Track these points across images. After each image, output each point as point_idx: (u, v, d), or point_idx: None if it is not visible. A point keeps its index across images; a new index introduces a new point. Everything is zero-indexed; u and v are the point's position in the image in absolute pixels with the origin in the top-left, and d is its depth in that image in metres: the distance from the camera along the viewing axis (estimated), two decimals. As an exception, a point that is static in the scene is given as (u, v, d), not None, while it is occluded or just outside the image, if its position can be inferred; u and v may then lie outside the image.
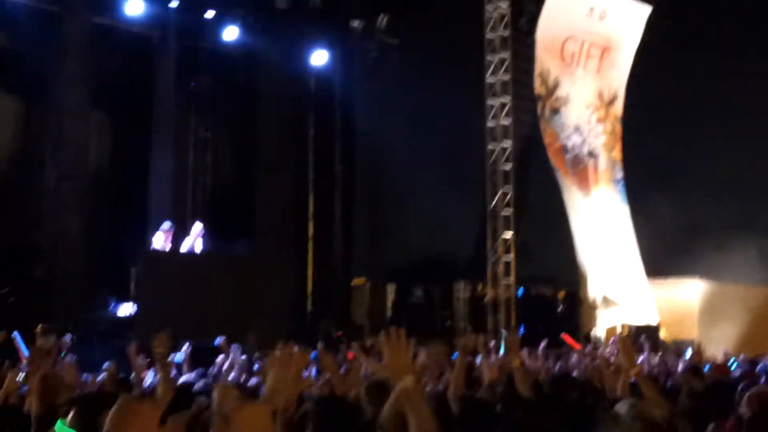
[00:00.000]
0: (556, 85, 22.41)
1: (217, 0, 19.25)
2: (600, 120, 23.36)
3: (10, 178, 17.98)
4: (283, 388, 3.26)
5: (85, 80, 17.38)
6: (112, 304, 16.75)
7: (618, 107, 23.71)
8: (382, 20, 22.00)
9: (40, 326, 9.85)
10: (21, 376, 6.44)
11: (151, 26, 18.81)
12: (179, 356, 11.32)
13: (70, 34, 17.31)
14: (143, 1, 18.14)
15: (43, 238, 16.55)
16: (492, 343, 11.28)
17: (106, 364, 9.77)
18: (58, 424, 3.95)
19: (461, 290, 21.92)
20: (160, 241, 16.13)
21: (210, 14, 19.35)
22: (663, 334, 20.78)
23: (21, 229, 17.34)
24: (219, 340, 12.41)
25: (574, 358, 12.37)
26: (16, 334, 12.15)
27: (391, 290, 22.32)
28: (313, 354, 8.38)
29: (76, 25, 17.36)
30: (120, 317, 16.33)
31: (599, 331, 20.90)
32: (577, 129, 22.82)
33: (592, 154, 23.07)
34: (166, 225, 16.39)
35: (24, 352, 11.39)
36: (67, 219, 16.62)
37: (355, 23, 21.73)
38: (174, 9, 18.81)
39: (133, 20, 18.35)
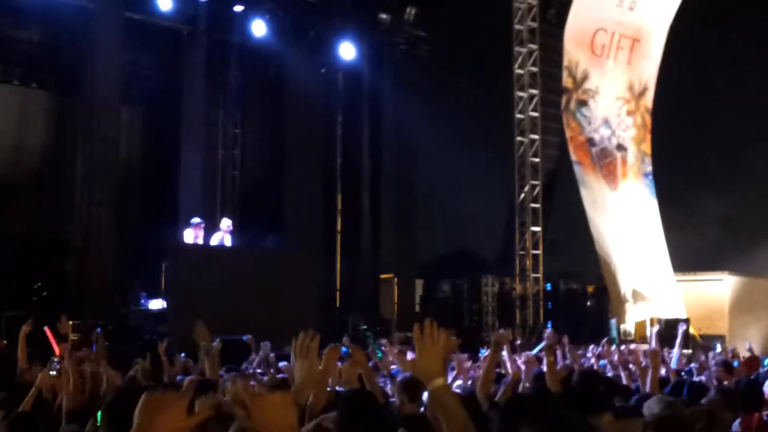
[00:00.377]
0: (584, 78, 22.27)
1: (246, -6, 19.30)
2: (630, 113, 23.20)
3: (42, 173, 18.14)
4: (311, 378, 3.20)
5: (116, 75, 17.47)
6: (143, 299, 16.87)
7: (648, 99, 23.53)
8: (410, 13, 21.90)
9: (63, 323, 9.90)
10: (54, 370, 6.48)
11: (181, 21, 18.86)
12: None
13: (101, 29, 17.38)
14: (173, -5, 18.20)
15: (74, 233, 16.66)
16: (518, 341, 11.21)
17: (137, 359, 9.83)
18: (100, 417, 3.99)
19: (489, 285, 21.86)
20: (190, 236, 16.24)
21: (239, 9, 19.40)
22: (691, 330, 20.62)
23: (52, 223, 17.48)
24: (246, 337, 12.51)
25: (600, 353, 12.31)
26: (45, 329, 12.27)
27: (419, 285, 22.34)
28: (344, 350, 8.34)
29: (108, 20, 17.42)
30: (151, 311, 16.44)
31: (628, 326, 20.80)
32: (606, 122, 22.67)
33: (620, 147, 22.92)
34: (195, 220, 16.48)
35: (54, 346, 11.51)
36: (98, 213, 16.72)
37: (383, 16, 21.65)
38: (203, 4, 18.87)
39: (163, 15, 18.41)
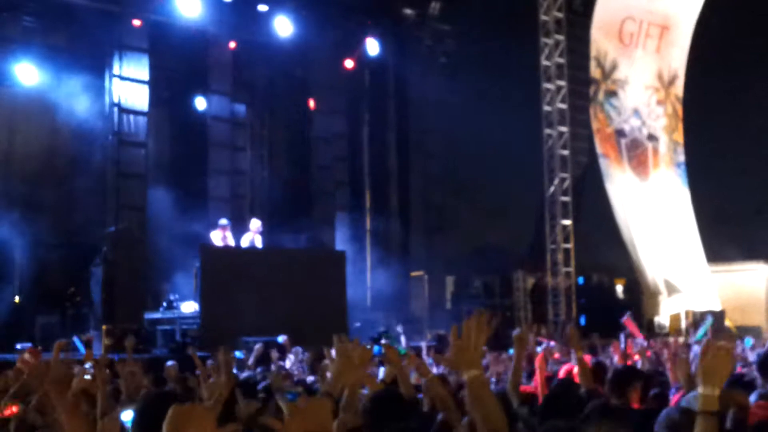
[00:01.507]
0: (613, 68, 22.02)
1: (270, -6, 19.29)
2: (660, 102, 22.93)
3: (72, 178, 18.23)
4: (345, 379, 3.16)
5: (144, 77, 17.53)
6: (175, 302, 16.91)
7: (678, 87, 23.24)
8: (435, 7, 21.80)
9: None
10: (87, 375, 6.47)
11: (207, 22, 18.88)
12: (239, 352, 11.43)
13: (128, 32, 17.45)
14: (198, -2, 18.22)
15: (104, 238, 16.75)
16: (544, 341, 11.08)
17: (168, 363, 9.85)
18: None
19: (520, 279, 21.70)
20: (217, 237, 16.25)
21: (263, 8, 19.39)
22: (727, 322, 20.37)
23: (83, 229, 17.59)
24: (282, 338, 12.52)
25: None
26: (75, 339, 12.36)
27: (449, 282, 22.24)
28: (376, 350, 8.32)
29: (134, 22, 17.49)
30: (182, 314, 16.48)
31: (662, 319, 20.58)
32: (636, 111, 22.43)
33: (651, 137, 22.66)
34: (223, 221, 16.51)
35: (81, 351, 11.59)
36: (128, 217, 16.81)
37: (408, 11, 21.56)
38: (228, 5, 18.89)
39: (188, 17, 18.42)
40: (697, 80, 22.77)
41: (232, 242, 16.32)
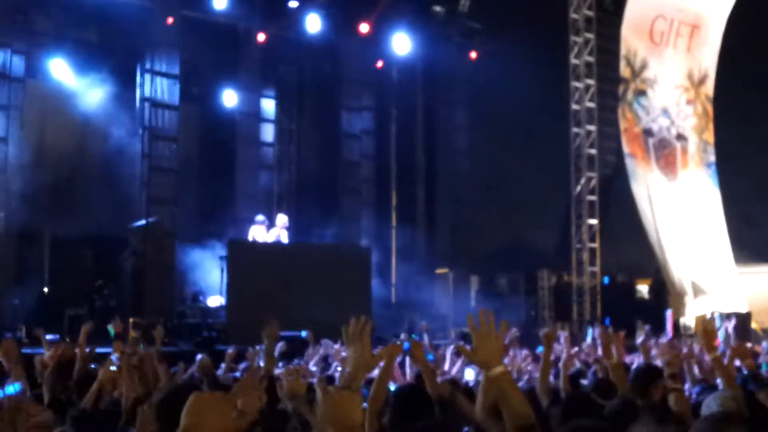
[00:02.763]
0: (643, 67, 21.90)
1: (301, -11, 19.39)
2: (689, 101, 22.78)
3: (102, 172, 18.45)
4: (363, 363, 3.19)
5: (175, 72, 17.68)
6: (202, 296, 17.09)
7: (709, 87, 23.07)
8: (464, 4, 21.80)
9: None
10: (113, 366, 6.56)
11: (237, 18, 19.01)
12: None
13: (159, 27, 17.61)
14: (229, -8, 18.36)
15: (134, 231, 16.94)
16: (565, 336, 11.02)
17: (198, 356, 9.94)
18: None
19: (545, 278, 21.66)
20: (259, 233, 16.42)
21: (294, 4, 19.50)
22: (753, 325, 20.22)
23: (113, 222, 17.79)
24: (306, 333, 12.61)
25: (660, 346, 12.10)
26: (108, 327, 12.52)
27: (474, 280, 22.26)
28: (406, 346, 8.37)
29: (165, 18, 17.65)
30: (209, 308, 16.65)
31: (688, 320, 20.46)
32: (665, 111, 22.29)
33: (680, 136, 22.52)
34: (260, 217, 16.66)
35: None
36: (158, 211, 16.99)
37: (437, 8, 21.58)
38: (259, 1, 19.00)
39: (219, 12, 18.57)
40: (728, 80, 22.58)
41: (269, 238, 16.52)
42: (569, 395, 5.82)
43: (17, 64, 17.31)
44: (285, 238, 16.88)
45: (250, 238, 16.52)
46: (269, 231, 16.86)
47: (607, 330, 6.50)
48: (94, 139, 19.03)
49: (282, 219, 17.21)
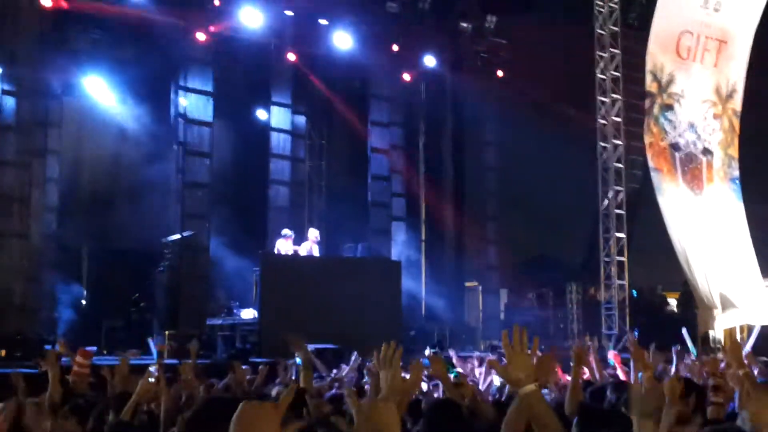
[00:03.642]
0: (670, 81, 21.97)
1: (330, 8, 19.66)
2: (716, 116, 22.80)
3: (137, 186, 18.78)
4: (396, 388, 3.25)
5: (208, 89, 17.98)
6: (235, 309, 17.33)
7: (736, 102, 23.09)
8: (491, 21, 22.00)
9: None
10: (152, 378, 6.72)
11: (268, 35, 19.34)
12: (299, 359, 11.67)
13: (192, 44, 17.92)
14: (261, 11, 18.66)
15: (169, 245, 17.22)
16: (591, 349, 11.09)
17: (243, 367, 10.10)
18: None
19: (573, 292, 21.73)
20: (286, 246, 16.67)
21: (324, 22, 19.80)
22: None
23: (148, 236, 18.09)
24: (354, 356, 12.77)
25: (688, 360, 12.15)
26: (150, 341, 12.78)
27: (503, 293, 22.36)
28: (425, 362, 8.49)
29: (198, 35, 17.97)
30: (242, 321, 16.88)
31: (717, 334, 20.45)
32: (692, 126, 22.32)
33: (706, 151, 22.55)
34: (286, 231, 16.91)
35: (154, 355, 11.97)
36: (192, 225, 17.26)
37: (464, 25, 21.80)
38: (290, 18, 19.34)
39: (250, 30, 18.89)
40: (754, 94, 22.64)
41: (300, 252, 16.78)
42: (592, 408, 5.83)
43: (55, 82, 17.74)
44: (316, 252, 17.12)
45: (275, 251, 16.77)
46: (300, 245, 17.11)
47: (636, 340, 6.55)
48: (129, 154, 19.41)
49: (313, 233, 17.48)
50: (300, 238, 17.34)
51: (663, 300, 22.81)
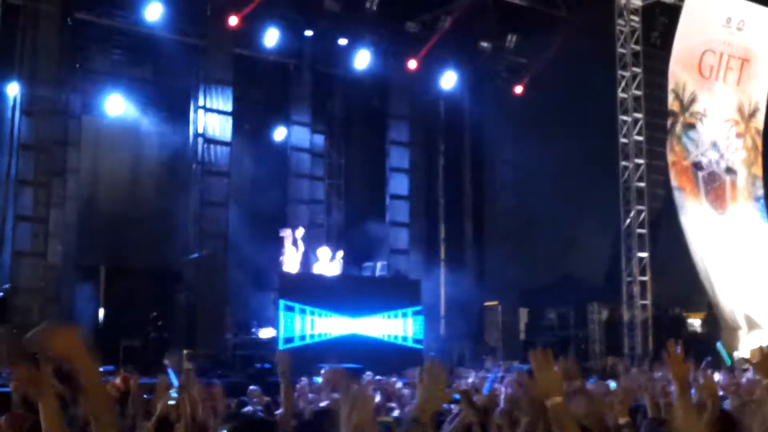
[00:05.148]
0: (692, 100, 21.80)
1: (350, 28, 19.68)
2: (739, 135, 22.60)
3: (156, 206, 18.80)
4: (434, 398, 3.26)
5: (227, 108, 18.00)
6: (254, 328, 17.23)
7: (759, 121, 22.89)
8: (511, 40, 21.95)
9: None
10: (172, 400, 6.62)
11: (288, 55, 19.38)
12: (318, 378, 11.57)
13: (212, 65, 17.97)
14: (280, 32, 18.70)
15: (187, 264, 17.18)
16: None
17: (251, 388, 10.00)
18: None
19: (595, 311, 21.49)
20: (292, 261, 16.62)
21: (343, 42, 19.82)
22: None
23: (167, 255, 18.08)
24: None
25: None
26: (169, 372, 12.66)
27: (524, 313, 22.14)
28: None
29: (218, 56, 18.02)
30: (261, 340, 16.78)
31: (743, 354, 20.12)
32: (714, 145, 22.13)
33: (730, 170, 22.33)
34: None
35: (174, 382, 11.84)
36: (211, 244, 17.21)
37: (484, 44, 21.75)
38: (309, 38, 19.37)
39: (270, 50, 18.93)
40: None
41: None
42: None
43: (74, 101, 17.82)
44: (336, 271, 17.04)
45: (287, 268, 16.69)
46: (320, 263, 17.02)
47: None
48: (148, 173, 19.44)
49: (331, 252, 17.41)
50: (316, 254, 17.32)
51: (686, 320, 22.48)
